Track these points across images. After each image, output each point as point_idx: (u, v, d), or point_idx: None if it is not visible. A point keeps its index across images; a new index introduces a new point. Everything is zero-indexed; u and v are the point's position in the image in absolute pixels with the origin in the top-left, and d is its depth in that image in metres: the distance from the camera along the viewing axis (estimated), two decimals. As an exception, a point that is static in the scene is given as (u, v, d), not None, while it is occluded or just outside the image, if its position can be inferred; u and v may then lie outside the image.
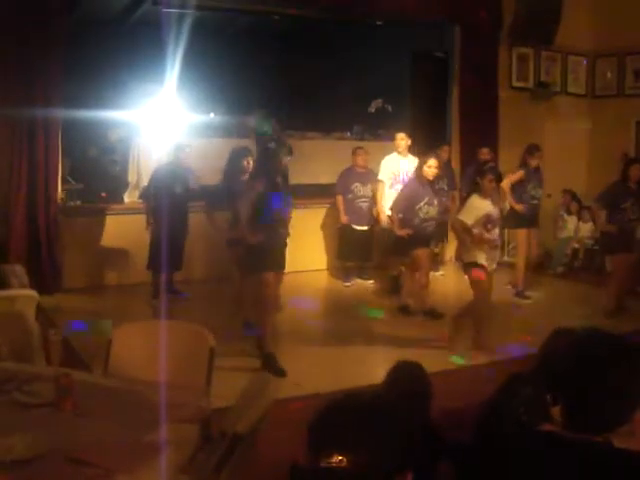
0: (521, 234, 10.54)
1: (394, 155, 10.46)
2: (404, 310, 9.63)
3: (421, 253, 9.28)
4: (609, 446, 2.33)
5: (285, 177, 7.49)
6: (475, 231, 8.00)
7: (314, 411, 1.98)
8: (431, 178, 9.17)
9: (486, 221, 8.05)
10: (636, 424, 3.34)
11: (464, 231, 8.12)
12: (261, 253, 7.24)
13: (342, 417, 1.96)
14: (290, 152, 7.45)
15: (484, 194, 8.12)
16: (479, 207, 8.09)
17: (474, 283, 8.20)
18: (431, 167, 9.12)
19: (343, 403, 2.01)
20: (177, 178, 9.47)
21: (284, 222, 7.39)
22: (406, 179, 10.09)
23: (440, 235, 11.23)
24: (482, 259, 8.06)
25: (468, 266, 8.25)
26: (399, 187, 9.85)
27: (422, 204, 9.12)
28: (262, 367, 7.23)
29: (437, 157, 9.44)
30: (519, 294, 10.53)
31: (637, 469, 2.29)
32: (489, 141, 12.51)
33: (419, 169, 9.24)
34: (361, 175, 10.89)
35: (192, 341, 4.61)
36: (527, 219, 10.45)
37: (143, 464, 3.37)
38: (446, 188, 11.44)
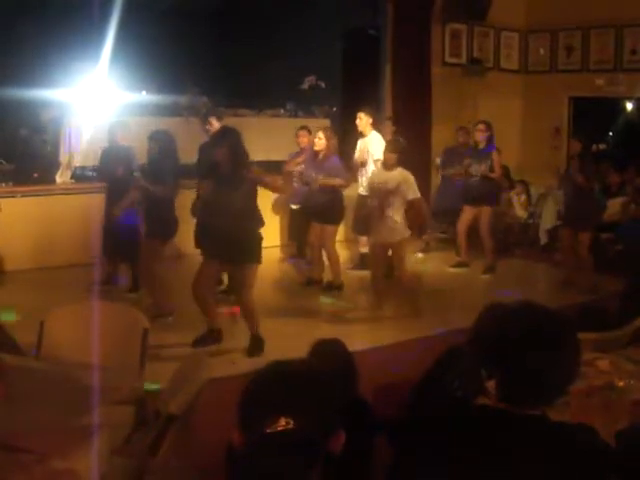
0: (462, 210, 10.64)
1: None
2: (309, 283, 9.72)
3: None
4: (543, 418, 2.36)
5: None
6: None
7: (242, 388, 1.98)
8: (317, 148, 9.26)
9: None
10: (571, 396, 3.42)
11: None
12: None
13: (275, 384, 1.98)
14: None
15: (384, 165, 8.48)
16: (371, 177, 8.77)
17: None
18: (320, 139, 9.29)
19: (272, 371, 2.03)
20: (118, 159, 9.09)
21: None
22: None
23: None
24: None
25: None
26: None
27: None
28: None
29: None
30: (456, 265, 10.76)
31: (570, 441, 2.33)
32: (423, 117, 12.58)
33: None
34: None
35: (125, 322, 4.60)
36: (468, 196, 10.55)
37: (77, 447, 3.35)
38: None
